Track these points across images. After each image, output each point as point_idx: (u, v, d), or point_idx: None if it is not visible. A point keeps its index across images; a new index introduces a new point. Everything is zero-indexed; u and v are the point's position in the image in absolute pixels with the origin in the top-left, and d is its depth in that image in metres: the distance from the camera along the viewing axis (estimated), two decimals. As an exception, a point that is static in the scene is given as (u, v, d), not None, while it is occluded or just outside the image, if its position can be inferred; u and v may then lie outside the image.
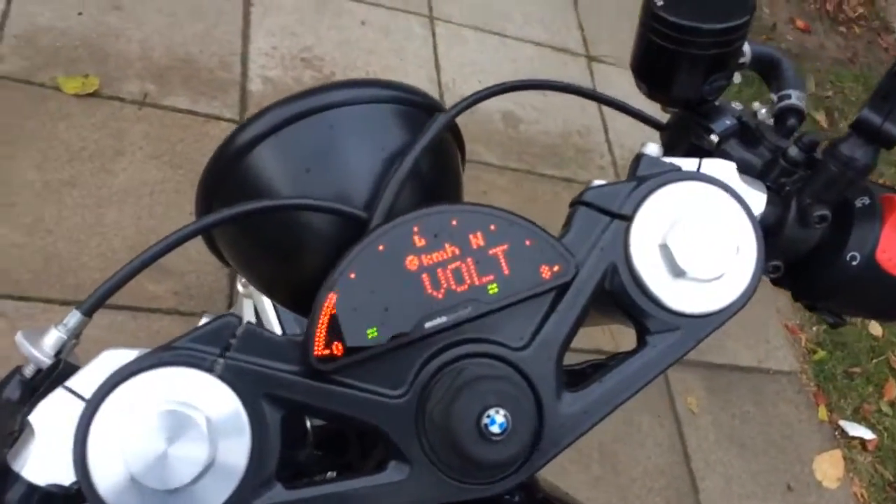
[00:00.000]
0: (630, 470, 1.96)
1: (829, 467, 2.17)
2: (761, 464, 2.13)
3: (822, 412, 2.30)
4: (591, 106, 2.50)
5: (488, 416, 0.41)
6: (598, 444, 1.95)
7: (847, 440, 2.29)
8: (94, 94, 1.89)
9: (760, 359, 2.32)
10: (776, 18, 3.49)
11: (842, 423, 2.31)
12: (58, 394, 0.43)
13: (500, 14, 2.71)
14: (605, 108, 2.47)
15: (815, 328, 2.50)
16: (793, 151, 0.55)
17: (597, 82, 2.68)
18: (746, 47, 0.59)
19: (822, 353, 2.43)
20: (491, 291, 0.45)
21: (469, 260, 0.45)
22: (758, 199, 0.54)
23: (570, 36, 2.79)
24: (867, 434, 2.29)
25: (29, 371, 0.46)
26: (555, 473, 1.87)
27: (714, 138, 0.57)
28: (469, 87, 2.37)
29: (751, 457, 2.13)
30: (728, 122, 0.57)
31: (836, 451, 2.23)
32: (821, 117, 3.08)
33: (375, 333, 0.44)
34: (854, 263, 0.53)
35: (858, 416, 2.35)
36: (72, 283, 1.60)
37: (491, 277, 0.45)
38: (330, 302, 0.43)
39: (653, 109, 0.66)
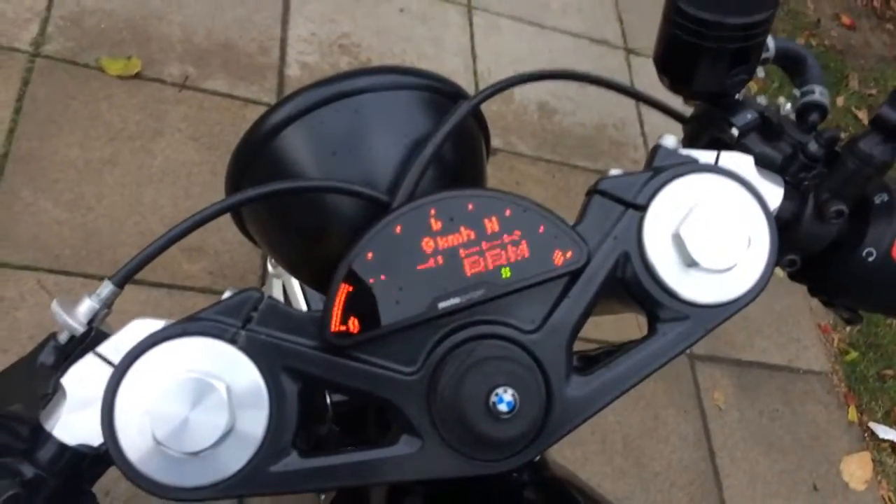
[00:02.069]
0: (653, 464, 1.96)
1: (856, 469, 2.15)
2: (787, 463, 2.12)
3: (852, 413, 2.27)
4: (628, 99, 2.49)
5: (496, 395, 0.43)
6: (622, 437, 1.95)
7: (877, 442, 2.26)
8: (136, 76, 1.93)
9: (791, 357, 2.30)
10: (820, 14, 3.43)
11: (872, 425, 2.28)
12: (88, 359, 0.45)
13: (539, 4, 2.70)
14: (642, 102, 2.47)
15: (848, 328, 2.46)
16: (812, 147, 0.55)
17: (634, 75, 2.66)
18: (770, 42, 0.59)
19: (854, 354, 2.39)
20: (504, 275, 0.46)
21: (483, 243, 0.46)
22: (775, 193, 0.54)
23: (609, 27, 2.77)
24: (898, 437, 2.26)
25: (63, 338, 0.48)
26: (578, 463, 1.87)
27: (735, 132, 0.57)
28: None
29: (777, 455, 2.11)
30: (749, 116, 0.57)
31: (864, 454, 2.20)
32: (863, 115, 3.03)
33: (390, 312, 0.45)
34: (870, 260, 0.54)
35: (889, 420, 2.32)
36: (110, 260, 1.65)
37: (504, 261, 0.46)
38: (347, 280, 0.45)
39: (677, 102, 0.67)
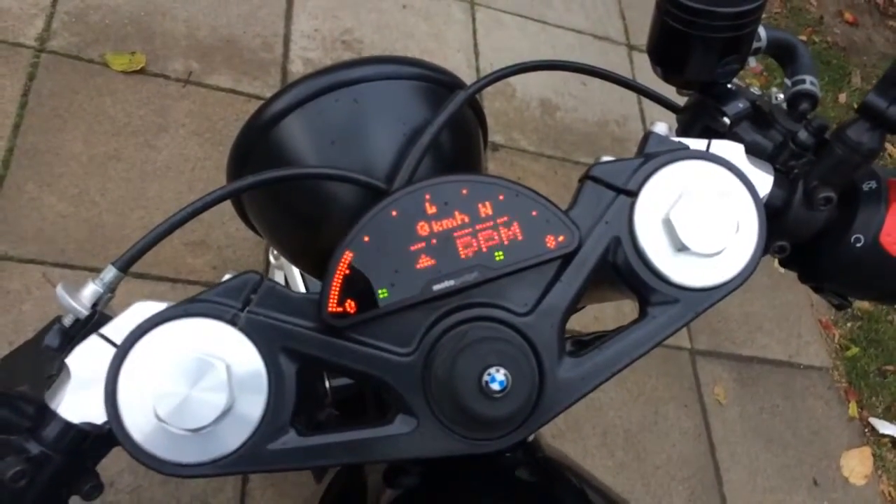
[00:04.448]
0: (654, 458, 1.97)
1: (857, 464, 2.15)
2: (787, 458, 2.12)
3: (853, 409, 2.28)
4: (630, 95, 2.50)
5: (489, 375, 0.44)
6: (623, 431, 1.96)
7: (877, 438, 2.26)
8: (140, 71, 1.94)
9: (792, 353, 2.31)
10: (823, 11, 3.43)
11: (872, 420, 2.28)
12: (92, 340, 0.47)
13: (542, 0, 2.71)
14: (644, 98, 2.48)
15: (849, 324, 2.47)
16: (802, 135, 0.56)
17: (636, 71, 2.67)
18: (762, 31, 0.60)
19: (855, 350, 2.40)
20: (497, 258, 0.47)
21: (477, 227, 0.47)
22: (764, 181, 0.55)
23: (612, 24, 2.78)
24: (898, 432, 2.27)
25: (67, 321, 0.49)
26: (579, 457, 1.87)
27: (726, 120, 0.58)
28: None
29: (777, 450, 2.12)
30: (741, 105, 0.58)
31: (865, 449, 2.21)
32: (865, 112, 3.02)
33: (386, 294, 0.46)
34: (858, 245, 0.54)
35: (890, 415, 2.32)
36: (115, 254, 1.64)
37: (497, 245, 0.47)
38: (344, 262, 0.46)
39: (673, 94, 0.68)
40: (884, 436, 2.26)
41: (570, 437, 1.88)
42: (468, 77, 2.35)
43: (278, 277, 1.27)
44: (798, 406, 2.22)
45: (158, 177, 1.81)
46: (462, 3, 2.54)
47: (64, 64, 1.87)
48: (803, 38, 3.24)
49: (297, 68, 2.14)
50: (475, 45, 2.46)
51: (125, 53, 1.94)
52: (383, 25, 2.36)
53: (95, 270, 1.59)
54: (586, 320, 1.99)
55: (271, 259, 1.38)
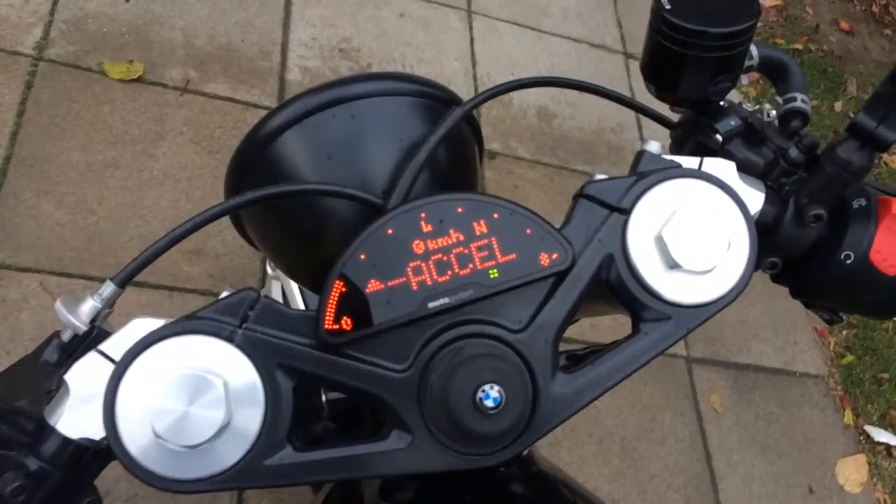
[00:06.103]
0: (650, 466, 1.97)
1: (852, 472, 2.16)
2: (783, 465, 2.13)
3: (848, 416, 2.28)
4: (626, 103, 2.51)
5: (483, 391, 0.44)
6: (619, 439, 1.97)
7: (872, 445, 2.27)
8: (138, 80, 1.94)
9: (787, 361, 2.32)
10: (819, 20, 3.44)
11: (867, 428, 2.29)
12: (91, 356, 0.47)
13: (539, 9, 2.72)
14: (640, 106, 2.50)
15: (844, 332, 2.48)
16: (793, 152, 0.57)
17: (633, 80, 2.68)
18: (754, 50, 0.61)
19: (850, 358, 2.41)
20: (492, 276, 0.48)
21: (472, 245, 0.48)
22: (755, 198, 0.56)
23: (608, 33, 2.79)
24: (893, 440, 2.27)
25: (66, 336, 0.50)
26: (575, 466, 1.87)
27: (719, 138, 0.59)
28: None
29: (773, 458, 2.13)
30: (733, 122, 0.59)
31: (860, 456, 2.21)
32: (861, 120, 3.03)
33: (382, 311, 0.47)
34: (848, 262, 0.55)
35: (885, 422, 2.33)
36: (112, 262, 1.66)
37: (492, 263, 0.48)
38: (340, 280, 0.46)
39: (666, 108, 0.69)
40: (879, 443, 2.27)
41: (566, 444, 1.88)
42: (465, 85, 2.36)
43: (276, 290, 1.27)
44: (794, 414, 2.23)
45: (156, 185, 1.82)
46: (459, 11, 2.55)
47: (62, 72, 1.88)
48: (799, 46, 3.25)
49: (294, 77, 2.15)
50: (472, 53, 2.47)
51: (123, 62, 1.95)
52: (381, 34, 2.36)
53: (93, 279, 1.61)
54: (583, 327, 1.99)
55: (269, 271, 1.39)
